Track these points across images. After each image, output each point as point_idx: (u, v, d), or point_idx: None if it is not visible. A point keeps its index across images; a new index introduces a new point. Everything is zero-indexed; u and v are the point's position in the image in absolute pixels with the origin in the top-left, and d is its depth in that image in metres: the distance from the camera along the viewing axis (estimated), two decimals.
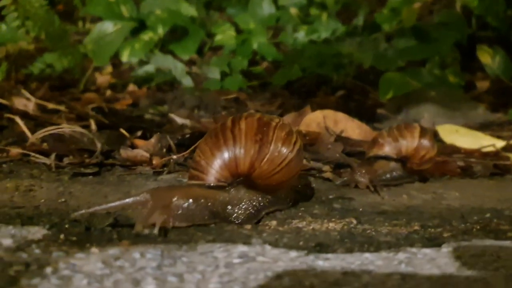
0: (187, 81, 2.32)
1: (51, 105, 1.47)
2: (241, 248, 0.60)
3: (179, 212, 0.65)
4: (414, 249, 0.62)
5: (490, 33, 2.52)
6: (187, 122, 1.17)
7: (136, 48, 2.71)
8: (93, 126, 1.29)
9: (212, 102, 1.96)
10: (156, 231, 0.61)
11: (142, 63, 2.61)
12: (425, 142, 0.99)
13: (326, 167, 0.95)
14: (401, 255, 0.60)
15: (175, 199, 0.65)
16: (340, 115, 1.33)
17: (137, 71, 2.46)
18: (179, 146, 1.10)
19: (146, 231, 0.63)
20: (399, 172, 0.97)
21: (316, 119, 1.31)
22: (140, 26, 2.79)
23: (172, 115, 1.19)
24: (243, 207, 0.70)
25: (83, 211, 0.63)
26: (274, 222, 0.70)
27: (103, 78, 2.36)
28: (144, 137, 1.18)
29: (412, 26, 2.36)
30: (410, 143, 0.97)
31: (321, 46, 2.53)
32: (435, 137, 1.54)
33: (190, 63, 2.70)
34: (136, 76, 2.41)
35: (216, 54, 2.73)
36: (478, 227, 0.73)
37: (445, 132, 1.53)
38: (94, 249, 0.57)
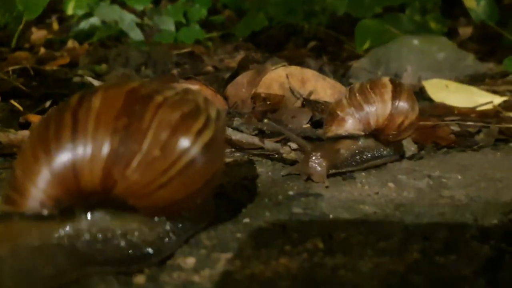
0: (136, 34, 2.02)
1: None
2: None
3: None
4: None
5: None
6: None
7: None
8: None
9: (162, 58, 1.67)
10: None
11: (88, 16, 2.29)
12: (401, 104, 0.70)
13: (285, 148, 0.68)
14: None
15: None
16: (309, 73, 1.08)
17: (79, 25, 2.14)
18: None
19: None
20: (374, 152, 0.70)
21: (278, 79, 1.05)
22: None
23: (89, 79, 0.92)
24: (111, 247, 0.40)
25: None
26: (191, 261, 0.44)
27: (39, 34, 2.04)
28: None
29: None
30: (380, 109, 0.68)
31: None
32: (421, 94, 1.31)
33: (143, 14, 2.39)
34: (78, 30, 2.10)
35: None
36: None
37: (433, 88, 1.30)
38: None
